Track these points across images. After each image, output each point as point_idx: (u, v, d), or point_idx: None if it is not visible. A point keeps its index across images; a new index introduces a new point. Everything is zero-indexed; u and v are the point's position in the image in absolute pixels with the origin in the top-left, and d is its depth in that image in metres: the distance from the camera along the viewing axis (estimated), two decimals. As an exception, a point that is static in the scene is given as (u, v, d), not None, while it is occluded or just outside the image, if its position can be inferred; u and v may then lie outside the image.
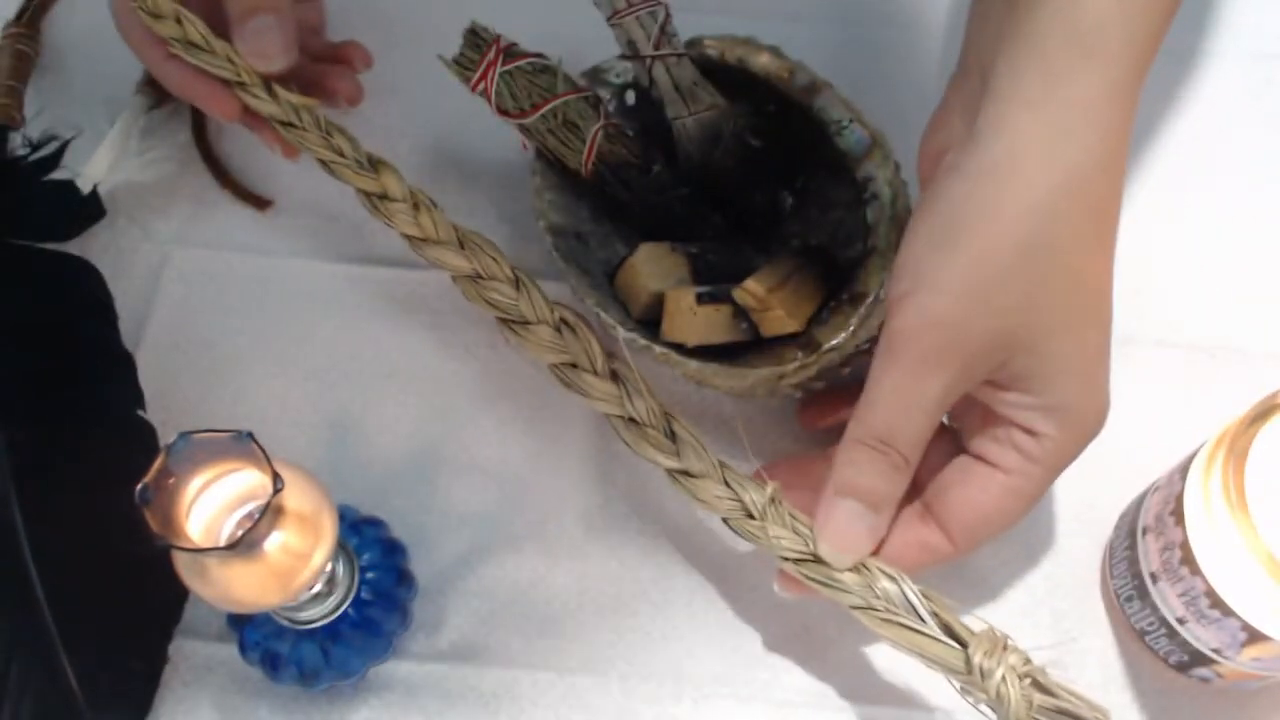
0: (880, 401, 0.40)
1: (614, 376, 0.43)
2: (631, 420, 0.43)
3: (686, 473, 0.42)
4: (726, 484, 0.42)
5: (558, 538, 0.49)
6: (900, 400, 0.39)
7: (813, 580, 0.41)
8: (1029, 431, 0.40)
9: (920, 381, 0.39)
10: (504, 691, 0.46)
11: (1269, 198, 0.56)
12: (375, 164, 0.46)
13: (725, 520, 0.42)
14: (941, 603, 0.40)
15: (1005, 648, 0.38)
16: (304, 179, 0.47)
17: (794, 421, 0.50)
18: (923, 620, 0.39)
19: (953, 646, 0.39)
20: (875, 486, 0.40)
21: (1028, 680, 0.38)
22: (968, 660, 0.38)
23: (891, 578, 0.40)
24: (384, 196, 0.46)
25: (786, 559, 0.41)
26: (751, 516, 0.41)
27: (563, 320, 0.44)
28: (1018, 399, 0.40)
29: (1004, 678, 0.38)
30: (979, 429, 0.41)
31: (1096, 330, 0.40)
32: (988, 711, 0.39)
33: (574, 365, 0.43)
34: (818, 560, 0.41)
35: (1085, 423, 0.40)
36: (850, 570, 0.40)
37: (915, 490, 0.42)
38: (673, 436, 0.43)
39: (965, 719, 0.42)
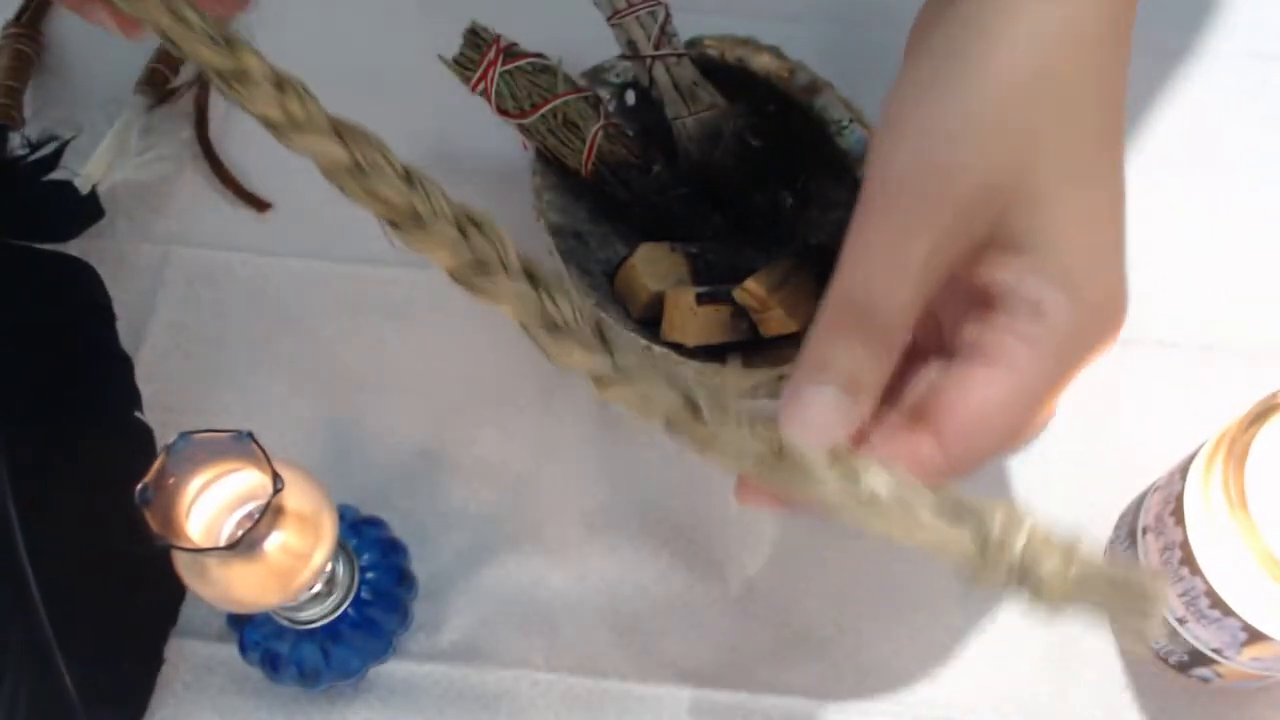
0: (860, 267, 0.33)
1: (529, 276, 0.33)
2: (554, 325, 0.33)
3: (624, 374, 0.32)
4: (672, 382, 0.32)
5: (558, 538, 0.49)
6: (883, 263, 0.33)
7: (781, 478, 0.32)
8: (1032, 308, 0.33)
9: (906, 239, 0.33)
10: (504, 691, 0.46)
11: (1267, 197, 0.56)
12: (232, 42, 0.36)
13: (669, 425, 0.33)
14: (939, 488, 0.32)
15: (1023, 517, 0.31)
16: (305, 179, 0.46)
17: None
18: (921, 498, 0.31)
19: (960, 526, 0.31)
20: (853, 367, 0.33)
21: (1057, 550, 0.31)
22: (983, 534, 0.31)
23: (875, 464, 0.32)
24: (241, 77, 0.35)
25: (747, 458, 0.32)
26: (700, 419, 0.32)
27: (467, 217, 0.35)
28: (1016, 263, 0.33)
29: (1029, 544, 0.30)
30: (972, 320, 0.35)
31: (1107, 193, 0.34)
32: (1006, 598, 0.32)
33: (481, 267, 0.34)
34: (784, 455, 0.32)
35: (1097, 301, 0.33)
36: (826, 466, 0.32)
37: (897, 398, 0.35)
38: (603, 340, 0.33)
39: (966, 718, 0.42)
